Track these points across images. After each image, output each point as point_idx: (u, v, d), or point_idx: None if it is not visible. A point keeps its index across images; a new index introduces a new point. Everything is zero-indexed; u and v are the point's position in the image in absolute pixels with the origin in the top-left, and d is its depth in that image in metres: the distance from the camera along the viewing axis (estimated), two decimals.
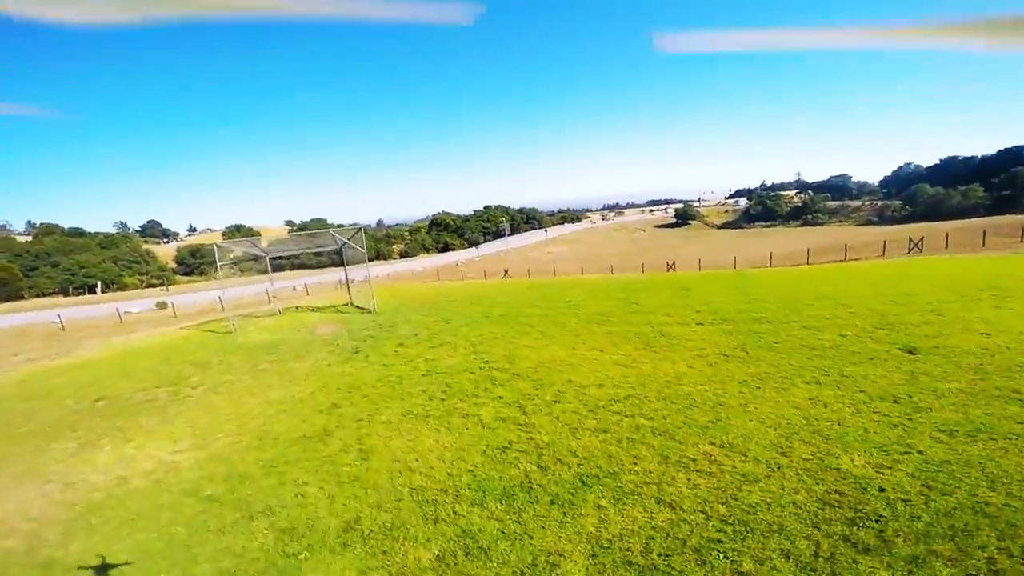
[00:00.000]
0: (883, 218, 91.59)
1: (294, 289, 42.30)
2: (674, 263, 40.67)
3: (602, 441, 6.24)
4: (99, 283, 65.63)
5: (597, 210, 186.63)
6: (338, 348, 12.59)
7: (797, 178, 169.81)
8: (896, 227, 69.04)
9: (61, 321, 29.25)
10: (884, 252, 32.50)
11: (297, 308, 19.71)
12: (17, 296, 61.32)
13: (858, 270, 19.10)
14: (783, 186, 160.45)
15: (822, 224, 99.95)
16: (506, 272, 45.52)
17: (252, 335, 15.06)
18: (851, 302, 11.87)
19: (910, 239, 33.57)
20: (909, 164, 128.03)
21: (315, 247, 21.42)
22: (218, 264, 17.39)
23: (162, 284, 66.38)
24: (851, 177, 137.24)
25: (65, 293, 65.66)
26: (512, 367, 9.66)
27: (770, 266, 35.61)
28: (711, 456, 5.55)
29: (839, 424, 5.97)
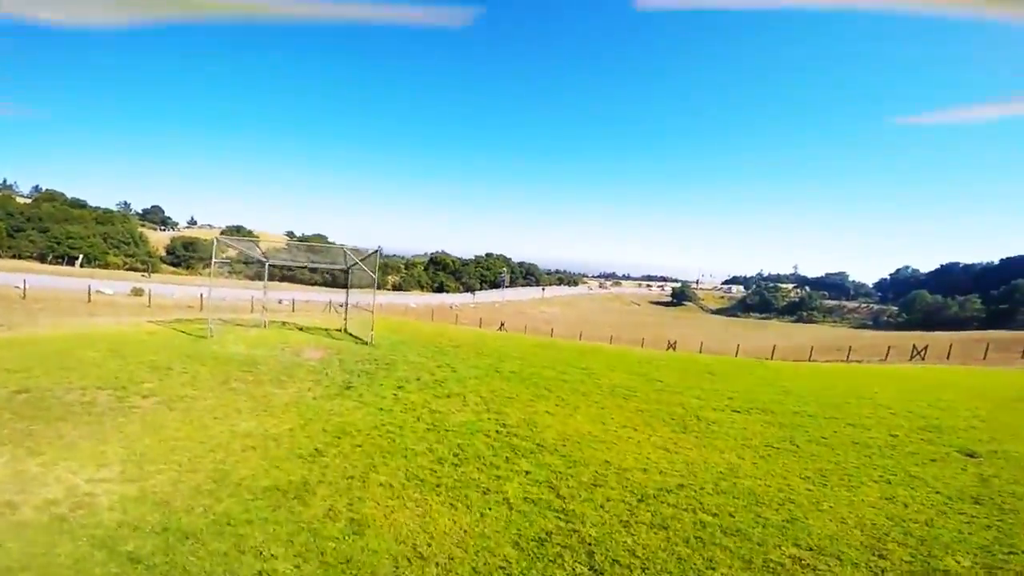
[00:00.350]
0: (878, 323, 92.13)
1: (280, 303, 40.25)
2: (675, 343, 39.52)
3: (664, 540, 5.17)
4: (80, 256, 62.91)
5: (593, 276, 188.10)
6: (327, 379, 10.79)
7: (794, 271, 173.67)
8: (893, 333, 69.16)
9: (24, 288, 26.88)
10: (887, 357, 32.80)
11: (284, 324, 17.87)
12: None
13: (879, 373, 18.18)
14: (779, 278, 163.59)
15: (817, 322, 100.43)
16: (502, 325, 43.94)
17: (229, 345, 13.19)
18: (889, 404, 11.50)
19: (914, 347, 34.21)
20: (907, 267, 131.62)
21: (319, 262, 19.94)
22: (213, 260, 15.76)
23: (145, 270, 63.73)
24: (848, 276, 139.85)
25: (43, 260, 62.69)
26: (535, 435, 8.29)
27: (771, 358, 34.96)
28: (801, 560, 4.84)
29: (928, 525, 5.63)
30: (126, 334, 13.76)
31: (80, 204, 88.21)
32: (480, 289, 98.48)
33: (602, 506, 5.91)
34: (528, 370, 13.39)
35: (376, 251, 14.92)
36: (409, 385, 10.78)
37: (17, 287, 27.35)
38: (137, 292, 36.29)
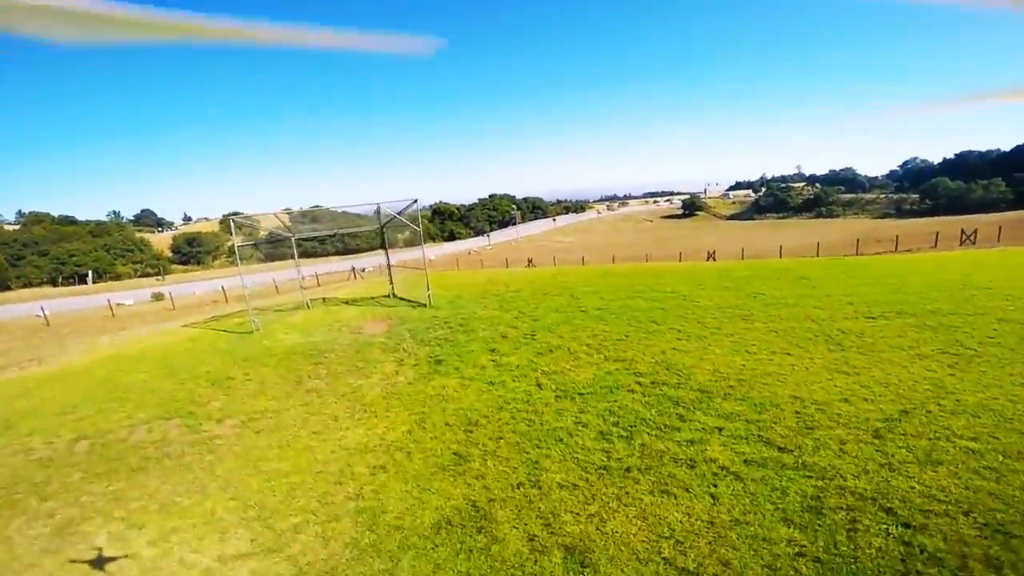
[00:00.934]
0: (901, 211, 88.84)
1: (303, 279, 38.86)
2: (714, 252, 37.52)
3: (954, 477, 4.24)
4: (90, 272, 61.78)
5: (596, 201, 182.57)
6: (408, 355, 9.38)
7: (798, 171, 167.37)
8: (921, 220, 66.63)
9: (45, 315, 25.78)
10: (936, 243, 30.96)
11: (325, 300, 16.38)
12: (3, 287, 57.46)
13: (959, 260, 16.38)
14: (784, 179, 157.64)
15: (837, 216, 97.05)
16: (530, 261, 42.20)
17: (280, 336, 11.79)
18: (1005, 291, 10.07)
19: (962, 231, 31.95)
20: (915, 158, 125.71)
21: (349, 227, 18.07)
22: (236, 246, 13.95)
23: (158, 273, 62.60)
24: (855, 171, 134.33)
25: (54, 283, 61.81)
26: (685, 380, 7.04)
27: (817, 255, 33.24)
28: None
29: None
30: (167, 345, 12.43)
31: (70, 221, 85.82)
32: (492, 230, 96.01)
33: (842, 450, 4.89)
34: (614, 304, 11.84)
35: (413, 202, 12.99)
36: (501, 346, 9.33)
37: (38, 315, 26.27)
38: (158, 297, 35.17)
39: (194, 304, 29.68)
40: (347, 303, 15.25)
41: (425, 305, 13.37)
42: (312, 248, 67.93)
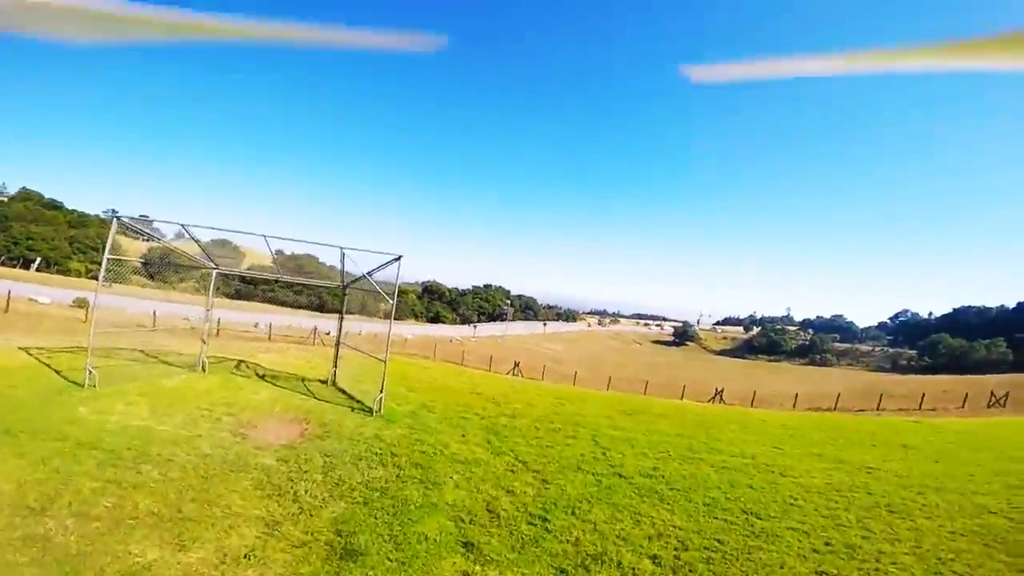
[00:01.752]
0: (897, 367, 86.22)
1: (256, 326, 33.86)
2: (722, 391, 33.50)
3: None
4: (37, 260, 56.10)
5: (586, 313, 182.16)
6: (301, 513, 4.84)
7: (787, 313, 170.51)
8: (928, 377, 64.05)
9: None
10: (964, 405, 29.29)
11: (239, 365, 11.81)
12: None
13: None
14: (773, 320, 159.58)
15: (831, 366, 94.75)
16: (516, 365, 37.77)
17: (114, 407, 7.17)
18: None
19: (992, 393, 30.85)
20: (906, 311, 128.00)
21: (300, 278, 14.02)
22: (105, 255, 9.74)
23: (110, 280, 56.81)
24: (845, 318, 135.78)
25: None
26: None
27: (835, 409, 29.78)
28: None
29: None
30: None
31: (56, 205, 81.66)
32: (478, 321, 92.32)
33: None
34: (667, 468, 7.55)
35: (396, 259, 9.14)
36: (485, 537, 4.82)
37: None
38: (80, 303, 29.81)
39: (112, 321, 24.56)
40: (264, 377, 10.68)
41: (371, 411, 8.89)
42: (285, 296, 63.32)
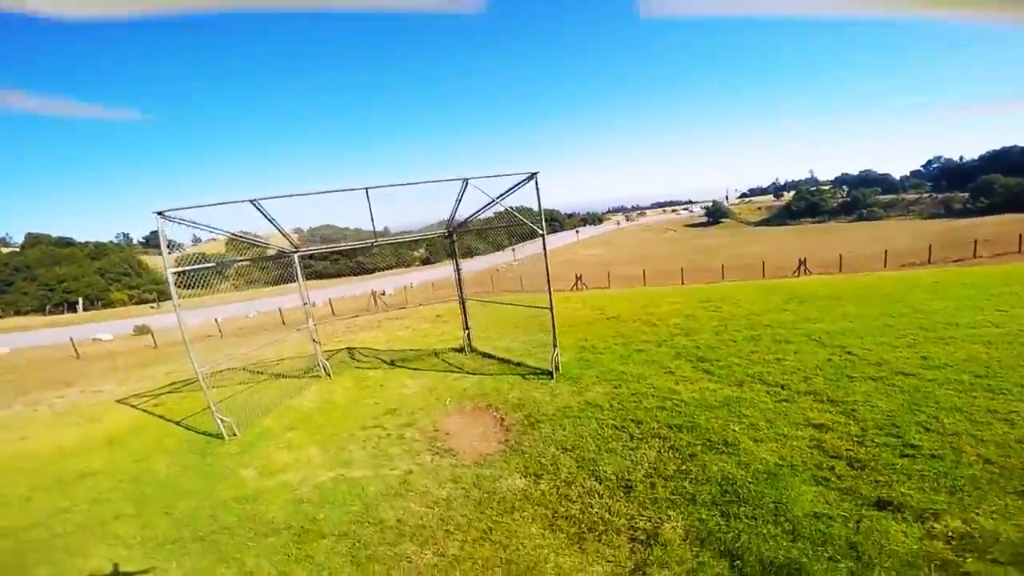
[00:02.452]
0: (951, 211, 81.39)
1: (313, 305, 32.95)
2: (805, 260, 30.97)
3: None
4: (80, 300, 56.57)
5: (608, 212, 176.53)
6: (615, 528, 3.30)
7: (811, 176, 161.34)
8: (983, 219, 59.58)
9: None
10: None
11: (353, 354, 10.36)
12: None
13: None
14: (798, 184, 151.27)
15: (881, 219, 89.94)
16: (579, 278, 36.08)
17: (271, 459, 5.76)
18: None
19: None
20: (939, 157, 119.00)
21: (405, 235, 11.32)
22: (168, 272, 8.04)
23: (154, 300, 57.20)
24: (875, 171, 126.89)
25: (43, 311, 56.60)
26: None
27: (929, 262, 27.22)
28: None
29: None
30: (81, 451, 6.51)
31: (67, 242, 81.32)
32: (509, 244, 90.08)
33: None
34: (943, 353, 5.71)
35: (531, 177, 6.96)
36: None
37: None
38: (141, 331, 29.39)
39: (179, 342, 23.86)
40: (394, 364, 9.18)
41: (550, 374, 7.28)
42: (323, 268, 62.51)
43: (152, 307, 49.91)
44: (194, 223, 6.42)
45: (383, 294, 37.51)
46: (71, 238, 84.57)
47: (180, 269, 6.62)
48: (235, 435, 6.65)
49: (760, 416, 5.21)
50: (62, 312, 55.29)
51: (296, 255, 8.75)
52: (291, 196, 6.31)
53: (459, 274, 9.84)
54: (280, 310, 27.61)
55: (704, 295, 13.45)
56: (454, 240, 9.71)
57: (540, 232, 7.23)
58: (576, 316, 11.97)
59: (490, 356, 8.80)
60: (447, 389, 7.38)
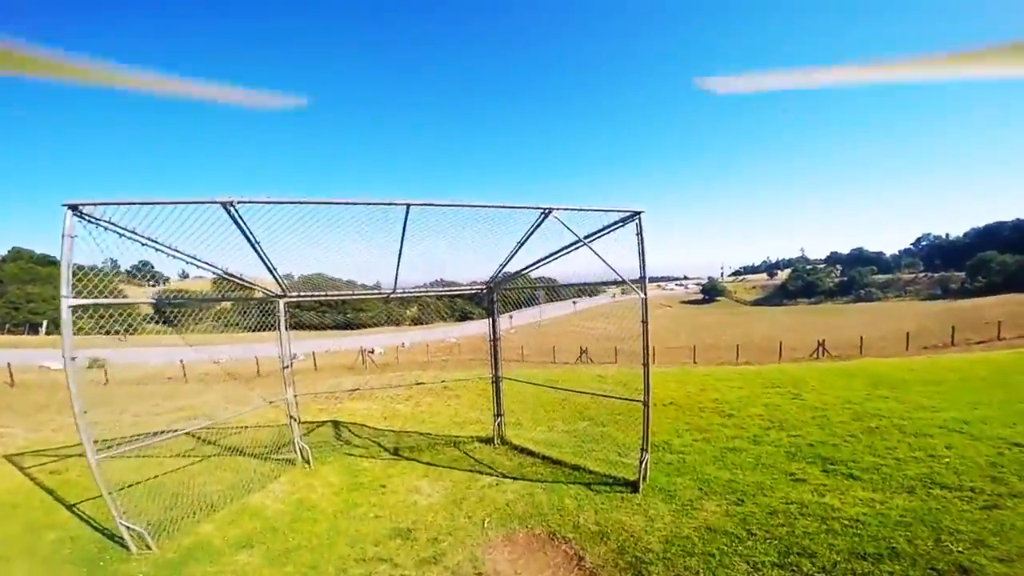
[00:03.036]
0: (949, 292, 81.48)
1: (294, 358, 30.12)
2: (823, 342, 29.30)
3: None
4: (44, 323, 52.74)
5: (602, 284, 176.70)
6: None
7: (801, 254, 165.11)
8: (984, 300, 59.08)
9: None
10: None
11: (339, 432, 8.00)
12: None
13: None
14: (791, 262, 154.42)
15: (878, 300, 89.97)
16: (584, 351, 33.92)
17: None
18: None
19: None
20: (929, 235, 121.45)
21: (439, 290, 8.93)
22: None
23: (119, 332, 53.34)
24: (866, 250, 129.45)
25: (1, 329, 52.56)
26: None
27: (952, 344, 25.64)
28: None
29: None
30: None
31: (51, 261, 78.19)
32: (505, 311, 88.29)
33: None
34: None
35: (634, 217, 5.13)
36: None
37: None
38: (96, 364, 26.21)
39: (135, 380, 20.99)
40: (397, 453, 6.83)
41: (633, 485, 5.08)
42: (307, 320, 59.29)
43: (120, 339, 46.25)
44: (126, 231, 4.42)
45: (372, 352, 34.87)
46: (53, 256, 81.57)
47: (85, 302, 4.53)
48: (149, 549, 4.24)
49: (982, 531, 3.84)
50: (22, 333, 51.28)
51: (282, 300, 6.68)
52: (301, 202, 4.38)
53: (496, 343, 7.72)
54: (256, 358, 24.84)
55: (766, 379, 11.53)
56: (495, 296, 7.72)
57: (638, 292, 5.33)
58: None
59: (530, 452, 6.50)
60: (481, 501, 5.06)
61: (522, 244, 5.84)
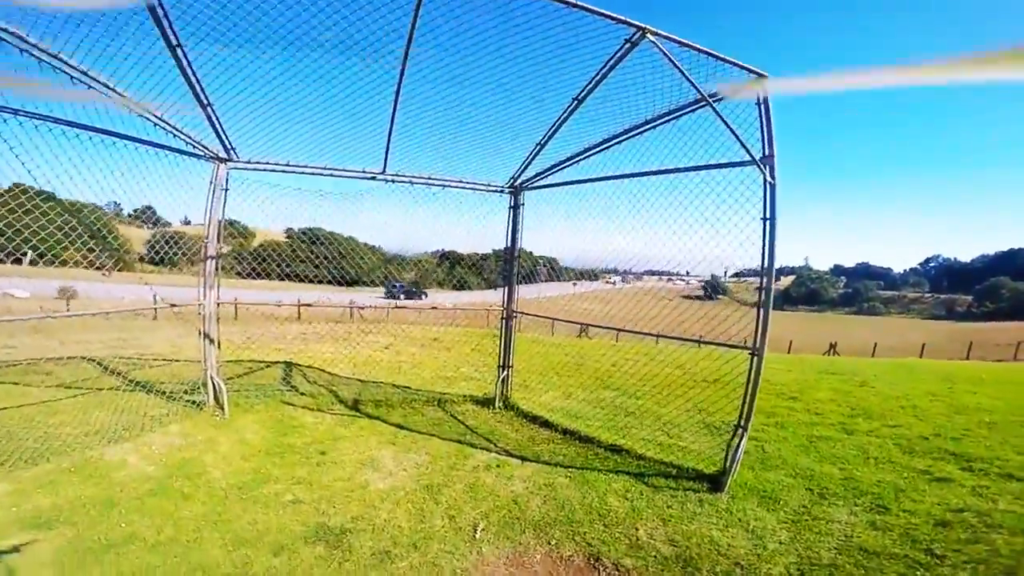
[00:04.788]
0: (953, 314, 79.85)
1: (279, 305, 28.17)
2: (835, 344, 27.77)
3: None
4: (29, 253, 50.79)
5: (602, 271, 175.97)
6: None
7: (805, 263, 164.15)
8: (992, 324, 57.66)
9: None
10: None
11: (290, 373, 6.11)
12: None
13: None
14: (795, 270, 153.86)
15: (879, 315, 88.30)
16: (584, 329, 32.04)
17: None
18: None
19: None
20: (938, 256, 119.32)
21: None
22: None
23: (105, 267, 51.51)
24: (871, 264, 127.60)
25: None
26: None
27: (967, 358, 24.35)
28: None
29: None
30: None
31: (50, 196, 75.95)
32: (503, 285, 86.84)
33: None
34: None
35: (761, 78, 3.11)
36: None
37: None
38: (67, 293, 24.32)
39: (107, 306, 19.06)
40: (356, 407, 4.88)
41: (716, 482, 3.13)
42: (305, 272, 57.14)
43: (103, 274, 44.37)
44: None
45: (362, 309, 32.97)
46: (53, 192, 79.33)
47: None
48: None
49: None
50: (2, 263, 49.42)
51: (226, 166, 4.62)
52: None
53: (514, 261, 5.71)
54: (234, 300, 23.00)
55: (812, 365, 9.82)
56: (520, 199, 5.61)
57: (767, 176, 3.30)
58: (650, 371, 7.85)
59: (546, 423, 4.57)
60: (472, 491, 3.15)
61: (591, 89, 3.65)
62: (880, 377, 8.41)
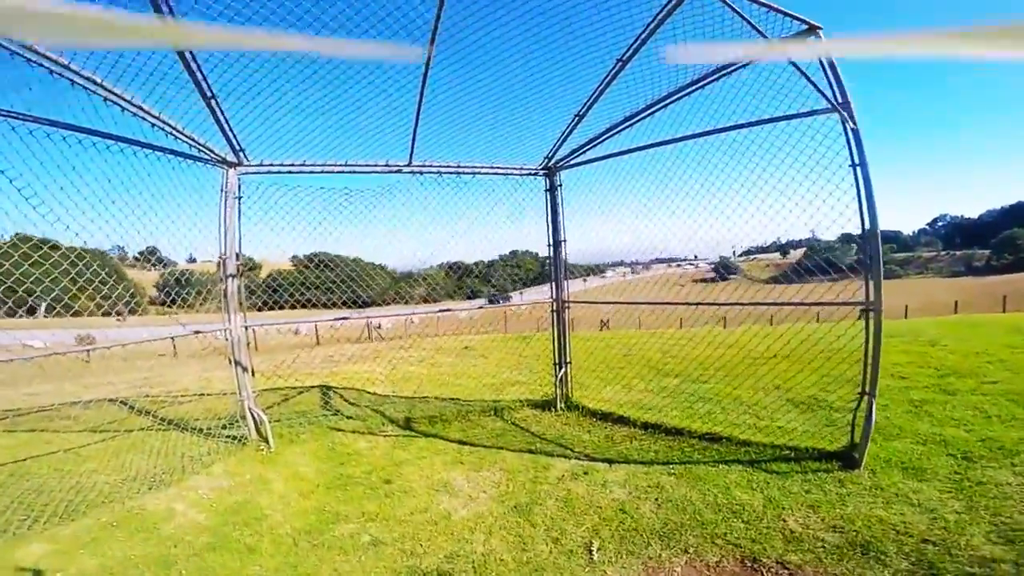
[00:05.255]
0: (972, 270, 78.43)
1: (296, 333, 27.86)
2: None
3: None
4: (43, 303, 51.22)
5: (609, 266, 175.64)
6: None
7: (812, 235, 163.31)
8: (1016, 276, 56.62)
9: None
10: None
11: (327, 398, 5.73)
12: None
13: None
14: (801, 243, 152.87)
15: (900, 277, 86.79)
16: (604, 323, 31.52)
17: None
18: None
19: None
20: (945, 215, 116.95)
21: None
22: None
23: (120, 313, 51.81)
24: (884, 229, 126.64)
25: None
26: None
27: (1004, 311, 23.70)
28: None
29: None
30: None
31: (52, 245, 76.88)
32: (514, 289, 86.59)
33: None
34: None
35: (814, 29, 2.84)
36: None
37: None
38: (84, 341, 24.21)
39: (122, 357, 19.01)
40: (410, 425, 4.48)
41: (847, 459, 2.68)
42: (318, 298, 57.05)
43: (118, 319, 44.58)
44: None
45: (379, 327, 32.71)
46: (56, 241, 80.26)
47: None
48: None
49: None
50: (14, 315, 49.87)
51: (234, 171, 4.25)
52: None
53: (560, 245, 5.30)
54: (252, 333, 22.77)
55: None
56: (557, 180, 5.18)
57: (848, 125, 2.88)
58: (703, 354, 7.38)
59: (621, 419, 4.14)
60: (568, 506, 2.74)
61: (637, 48, 3.24)
62: (946, 336, 7.92)
